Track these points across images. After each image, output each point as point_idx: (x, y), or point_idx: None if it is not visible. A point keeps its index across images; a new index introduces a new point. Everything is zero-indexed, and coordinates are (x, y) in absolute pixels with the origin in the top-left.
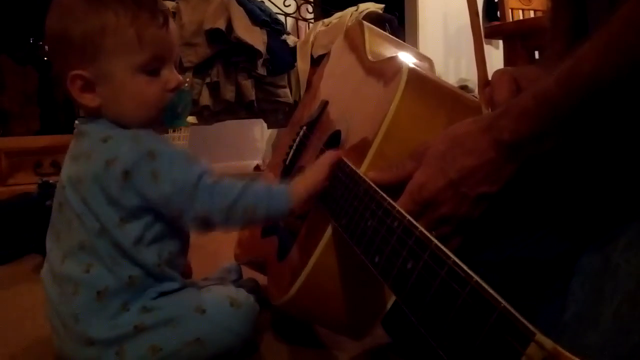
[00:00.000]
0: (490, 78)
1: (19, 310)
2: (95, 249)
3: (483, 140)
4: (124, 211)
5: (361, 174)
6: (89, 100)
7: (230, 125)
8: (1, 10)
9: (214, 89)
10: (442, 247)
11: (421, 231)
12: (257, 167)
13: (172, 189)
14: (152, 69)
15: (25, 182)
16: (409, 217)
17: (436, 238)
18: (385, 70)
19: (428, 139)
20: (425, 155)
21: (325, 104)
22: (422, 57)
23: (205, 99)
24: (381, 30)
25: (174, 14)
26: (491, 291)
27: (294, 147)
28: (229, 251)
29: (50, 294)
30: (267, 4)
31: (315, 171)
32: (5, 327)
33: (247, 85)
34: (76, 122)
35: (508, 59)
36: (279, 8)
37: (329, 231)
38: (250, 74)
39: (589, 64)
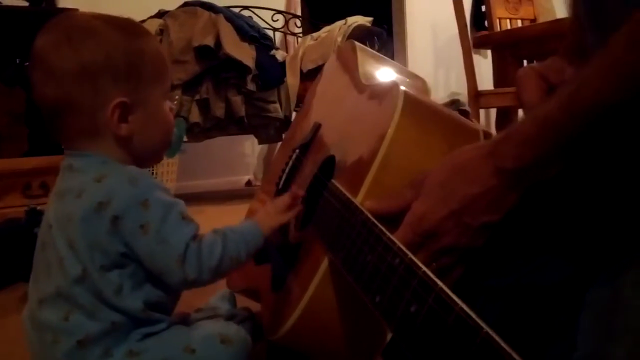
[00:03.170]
0: (517, 77)
1: (5, 344)
2: (73, 297)
3: (485, 168)
4: (107, 258)
5: (358, 204)
6: (123, 130)
7: (221, 141)
8: None
9: (204, 105)
10: (448, 291)
11: (424, 272)
12: (248, 182)
13: (159, 248)
14: (168, 95)
15: (14, 205)
16: (410, 254)
17: (437, 270)
18: (379, 94)
19: (427, 167)
20: (425, 184)
21: (318, 126)
22: (415, 77)
23: (195, 115)
24: (373, 51)
25: (162, 32)
26: (502, 343)
27: (286, 171)
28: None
29: (31, 340)
30: (256, 19)
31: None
32: None
33: (237, 101)
34: (65, 154)
35: (497, 68)
36: (267, 23)
37: (325, 262)
38: (240, 90)
39: (592, 87)
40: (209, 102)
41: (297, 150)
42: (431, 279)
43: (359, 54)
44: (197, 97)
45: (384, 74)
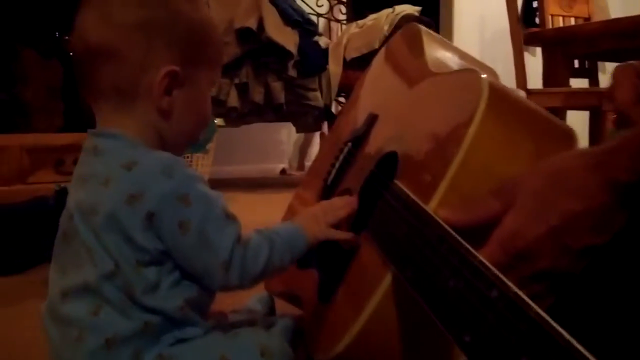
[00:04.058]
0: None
1: (24, 336)
2: (102, 293)
3: (592, 180)
4: (143, 253)
5: (431, 213)
6: (165, 102)
7: (257, 128)
8: (27, 3)
9: (243, 90)
10: (579, 347)
11: (538, 313)
12: (283, 171)
13: (201, 250)
14: (213, 87)
15: (46, 181)
16: (514, 287)
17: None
18: (455, 83)
19: (515, 173)
20: (517, 194)
21: (374, 117)
22: (487, 68)
23: (233, 100)
24: (439, 36)
25: None
26: None
27: (336, 166)
28: None
29: (51, 335)
30: (300, 3)
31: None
32: (9, 356)
33: (277, 87)
34: (89, 133)
35: (547, 67)
36: (311, 8)
37: (388, 278)
38: (280, 76)
39: None
40: (248, 87)
41: (350, 144)
42: (552, 327)
43: (424, 38)
44: (237, 80)
45: (455, 61)
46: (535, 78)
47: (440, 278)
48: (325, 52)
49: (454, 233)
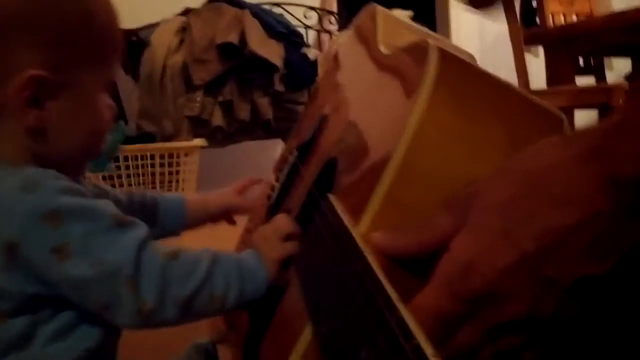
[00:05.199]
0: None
1: None
2: None
3: (585, 179)
4: (10, 301)
5: (356, 238)
6: (31, 118)
7: (246, 147)
8: None
9: (227, 108)
10: None
11: None
12: None
13: (92, 272)
14: (108, 88)
15: None
16: None
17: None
18: (403, 62)
19: (477, 175)
20: (475, 206)
21: (322, 118)
22: (460, 50)
23: (218, 119)
24: (403, 19)
25: (184, 30)
26: None
27: (281, 180)
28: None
29: None
30: (288, 16)
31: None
32: None
33: (264, 102)
34: None
35: (550, 66)
36: (298, 20)
37: (306, 336)
38: (267, 91)
39: None
40: (233, 104)
41: (296, 152)
42: None
43: (379, 19)
44: (221, 98)
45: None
46: (539, 80)
47: (352, 343)
48: (314, 64)
49: (375, 271)
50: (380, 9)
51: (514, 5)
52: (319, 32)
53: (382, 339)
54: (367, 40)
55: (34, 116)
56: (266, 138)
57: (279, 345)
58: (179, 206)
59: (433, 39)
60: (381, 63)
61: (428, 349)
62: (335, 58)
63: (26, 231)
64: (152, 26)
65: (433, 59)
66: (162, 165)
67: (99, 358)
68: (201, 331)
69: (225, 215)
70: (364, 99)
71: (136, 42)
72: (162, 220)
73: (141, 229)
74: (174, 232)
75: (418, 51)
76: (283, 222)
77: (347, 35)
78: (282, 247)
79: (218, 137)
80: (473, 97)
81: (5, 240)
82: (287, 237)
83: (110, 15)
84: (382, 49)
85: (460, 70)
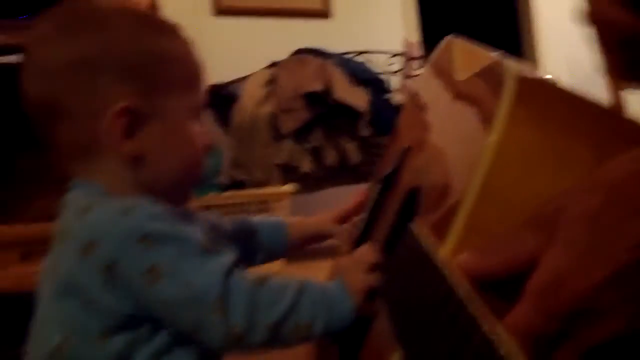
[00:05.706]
0: None
1: None
2: None
3: None
4: (109, 320)
5: (438, 260)
6: (128, 147)
7: (335, 192)
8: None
9: (315, 154)
10: None
11: None
12: None
13: (180, 295)
14: (199, 115)
15: None
16: None
17: None
18: (479, 85)
19: (561, 192)
20: (562, 220)
21: (406, 150)
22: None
23: (306, 165)
24: (483, 48)
25: (271, 81)
26: None
27: (368, 212)
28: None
29: None
30: (371, 64)
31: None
32: None
33: (351, 148)
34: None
35: None
36: (382, 67)
37: None
38: (353, 136)
39: None
40: (321, 150)
41: (379, 185)
42: None
43: (456, 51)
44: (308, 145)
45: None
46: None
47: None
48: (399, 108)
49: (461, 289)
50: (457, 40)
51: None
52: (403, 77)
53: (469, 353)
54: (443, 71)
55: (130, 146)
56: (354, 183)
57: None
58: (280, 229)
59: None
60: (457, 90)
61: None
62: (414, 96)
63: (123, 252)
64: (242, 79)
65: (510, 78)
66: (254, 212)
67: None
68: None
69: (321, 240)
70: (443, 128)
71: (226, 95)
72: (265, 245)
73: (228, 256)
74: (278, 255)
75: (493, 73)
76: (366, 253)
77: (424, 72)
78: (366, 278)
79: (307, 183)
80: (554, 113)
81: (105, 261)
82: (371, 268)
83: (186, 47)
84: (459, 76)
85: (539, 87)
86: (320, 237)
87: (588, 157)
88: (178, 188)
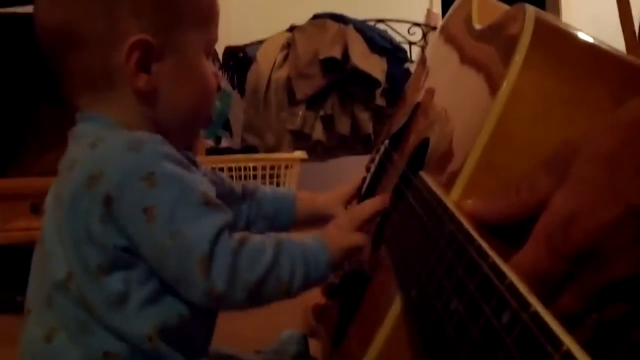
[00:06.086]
0: None
1: None
2: (58, 310)
3: None
4: (106, 255)
5: (449, 204)
6: (142, 81)
7: (346, 162)
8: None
9: (328, 122)
10: None
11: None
12: None
13: (171, 242)
14: (210, 55)
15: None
16: (536, 306)
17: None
18: (497, 31)
19: (575, 135)
20: (577, 160)
21: (416, 107)
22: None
23: (319, 133)
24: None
25: (289, 45)
26: None
27: (372, 171)
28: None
29: None
30: (391, 33)
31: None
32: None
33: (364, 117)
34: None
35: None
36: (402, 36)
37: (396, 306)
38: (368, 106)
39: None
40: (334, 119)
41: (387, 142)
42: None
43: (475, 3)
44: (322, 113)
45: None
46: None
47: (441, 298)
48: None
49: (467, 227)
50: None
51: (631, 19)
52: (423, 48)
53: (474, 284)
54: (461, 24)
55: (144, 80)
56: (366, 153)
57: (367, 324)
58: (289, 201)
59: None
60: (474, 37)
61: (521, 286)
62: (423, 61)
63: (124, 187)
64: (259, 42)
65: (529, 20)
66: (263, 176)
67: (177, 337)
68: (292, 326)
69: (327, 221)
70: (455, 76)
71: (243, 57)
72: (270, 213)
73: (223, 215)
74: (282, 226)
75: (513, 17)
76: (361, 209)
77: (436, 32)
78: (352, 235)
79: (318, 151)
80: (572, 59)
81: (106, 192)
82: (361, 227)
83: None
84: (477, 26)
85: (558, 33)
86: (327, 218)
87: (605, 104)
88: (188, 126)
